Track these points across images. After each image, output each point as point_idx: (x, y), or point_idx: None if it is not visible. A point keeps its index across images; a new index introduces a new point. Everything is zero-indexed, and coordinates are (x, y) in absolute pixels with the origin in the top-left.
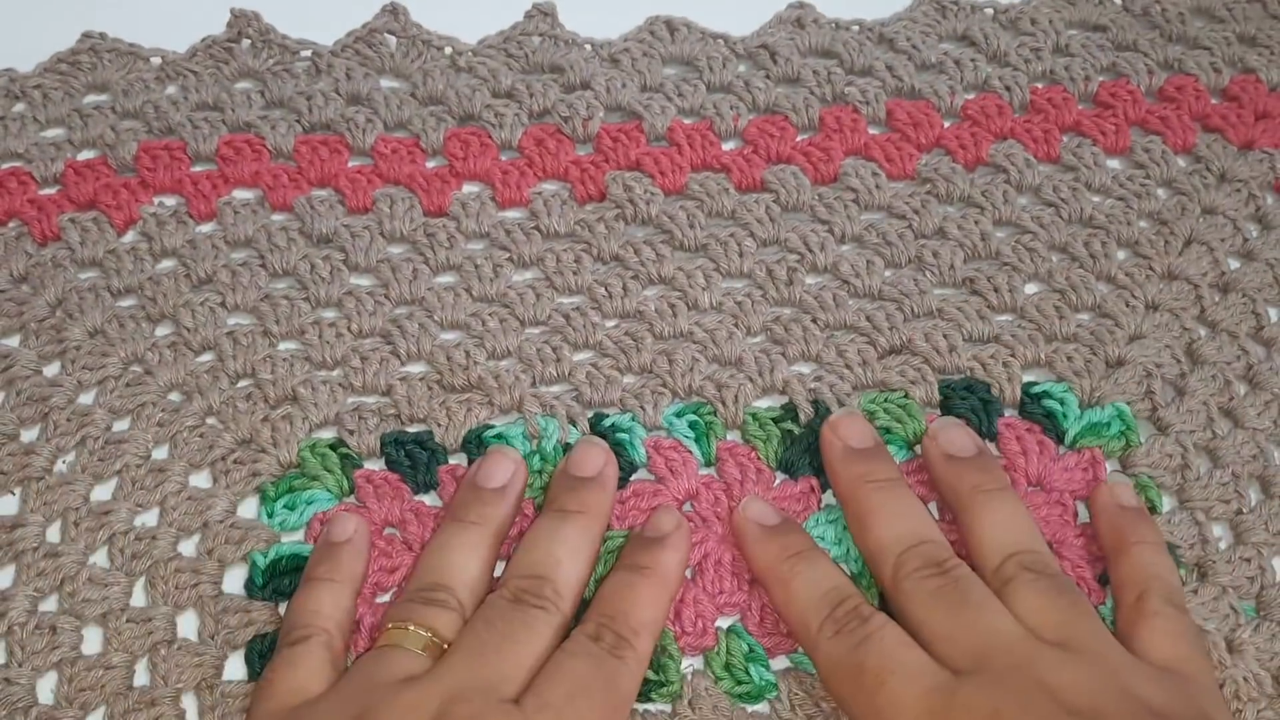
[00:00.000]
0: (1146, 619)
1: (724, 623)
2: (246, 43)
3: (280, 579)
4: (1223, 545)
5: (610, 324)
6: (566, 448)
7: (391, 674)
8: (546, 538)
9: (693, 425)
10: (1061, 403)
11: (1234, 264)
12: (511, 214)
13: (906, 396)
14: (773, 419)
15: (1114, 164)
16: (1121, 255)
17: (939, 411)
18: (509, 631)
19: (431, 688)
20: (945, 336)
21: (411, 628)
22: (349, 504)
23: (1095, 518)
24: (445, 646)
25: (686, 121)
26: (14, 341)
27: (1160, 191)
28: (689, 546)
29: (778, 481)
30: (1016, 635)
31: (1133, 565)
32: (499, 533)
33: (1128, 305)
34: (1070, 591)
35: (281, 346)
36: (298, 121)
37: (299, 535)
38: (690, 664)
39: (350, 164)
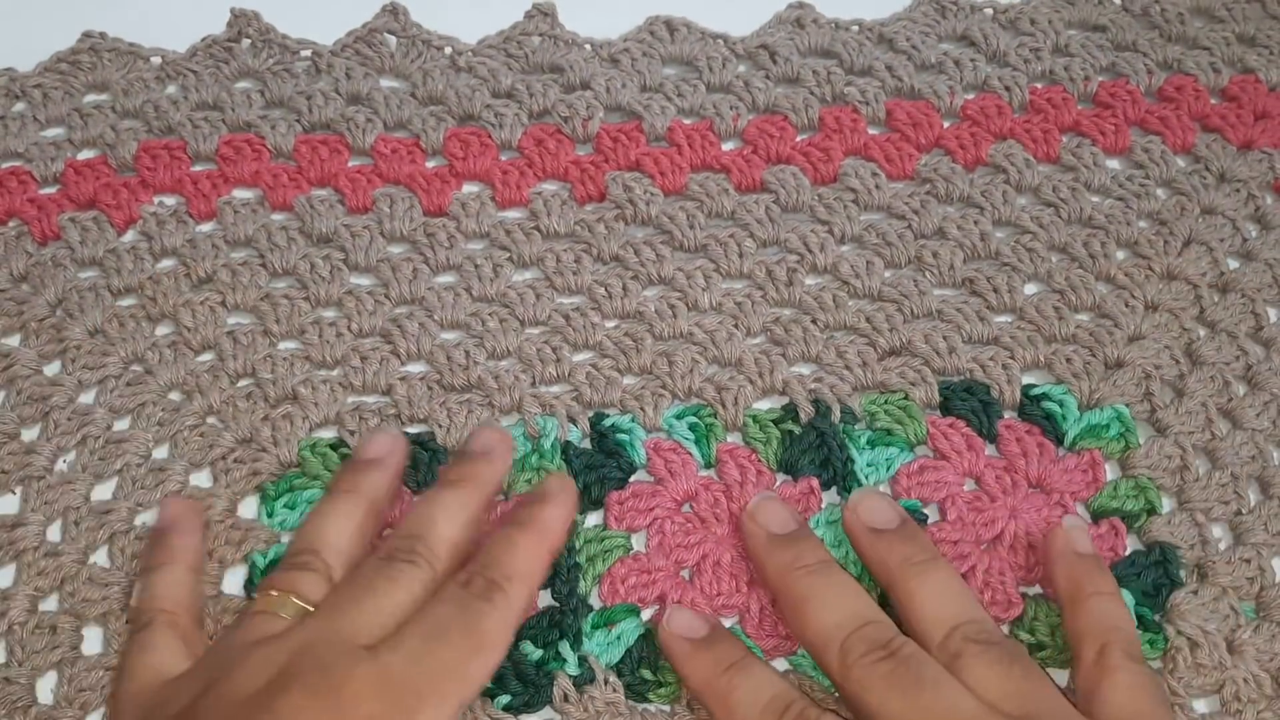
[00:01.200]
0: (1109, 675)
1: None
2: (246, 42)
3: None
4: (1222, 546)
5: (610, 324)
6: (566, 446)
7: (251, 636)
8: (426, 504)
9: (692, 427)
10: (1061, 404)
11: (1233, 264)
12: (511, 214)
13: (906, 398)
14: (773, 420)
15: (1113, 164)
16: (1121, 255)
17: (939, 412)
18: (370, 584)
19: (284, 643)
20: (945, 338)
21: (274, 592)
22: None
23: (1050, 564)
24: (310, 608)
25: (686, 122)
26: (14, 341)
27: (1160, 191)
28: (574, 504)
29: (778, 483)
30: (980, 713)
31: (1090, 617)
32: (374, 501)
33: (1127, 305)
34: (1020, 659)
35: (281, 346)
36: (298, 121)
37: None
38: None
39: (350, 164)
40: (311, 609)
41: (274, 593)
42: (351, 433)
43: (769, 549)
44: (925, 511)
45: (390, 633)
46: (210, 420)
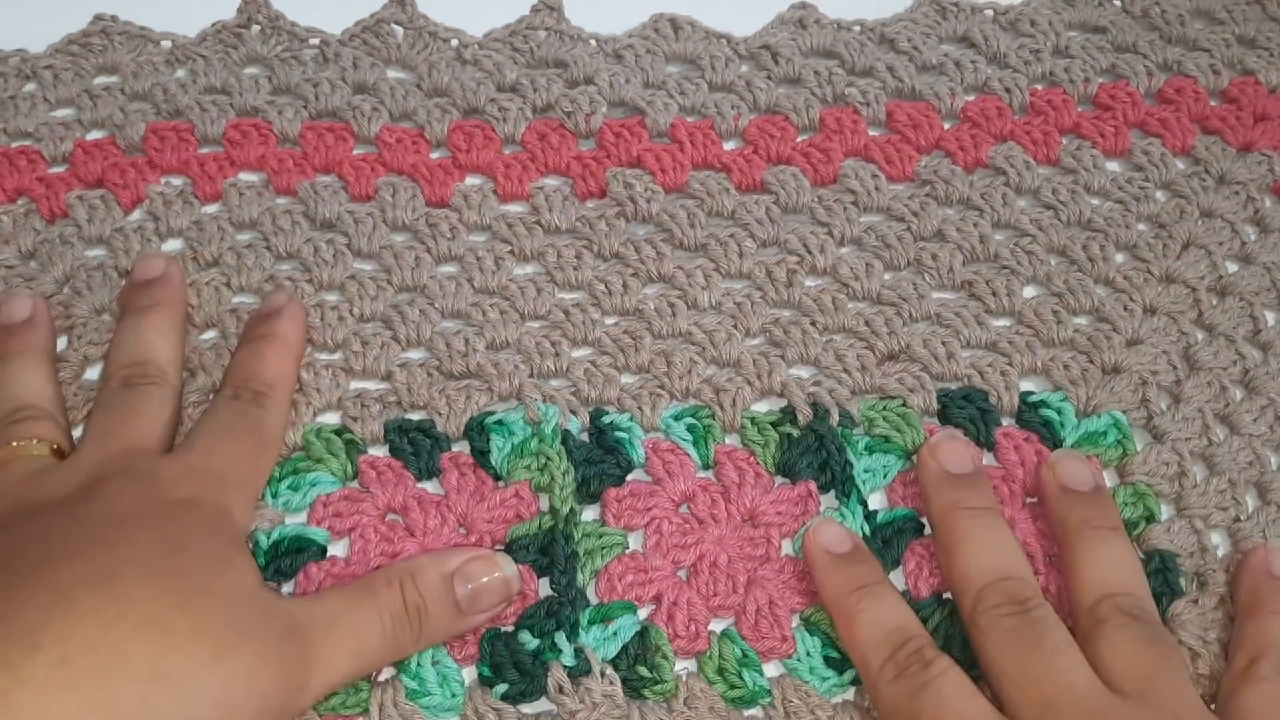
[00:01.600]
0: (1253, 682)
1: (718, 626)
2: (256, 29)
3: (283, 559)
4: (1221, 553)
5: (610, 321)
6: (566, 434)
7: (19, 475)
8: (132, 331)
9: (690, 428)
10: (1058, 412)
11: (1232, 267)
12: (513, 208)
13: (905, 404)
14: (771, 423)
15: (1113, 166)
16: (1120, 258)
17: (937, 420)
18: (128, 407)
19: (73, 467)
20: (944, 343)
21: (17, 443)
22: (352, 489)
23: (1239, 575)
24: (59, 448)
25: (688, 120)
26: None
27: (1159, 194)
28: (303, 313)
29: (776, 485)
30: (1089, 689)
31: (1257, 630)
32: (46, 350)
33: (1125, 309)
34: (1163, 643)
35: None
36: (304, 108)
37: (302, 517)
38: (685, 666)
39: (355, 152)
40: (57, 447)
41: (15, 443)
42: (354, 419)
43: (940, 484)
44: (922, 520)
45: (164, 444)
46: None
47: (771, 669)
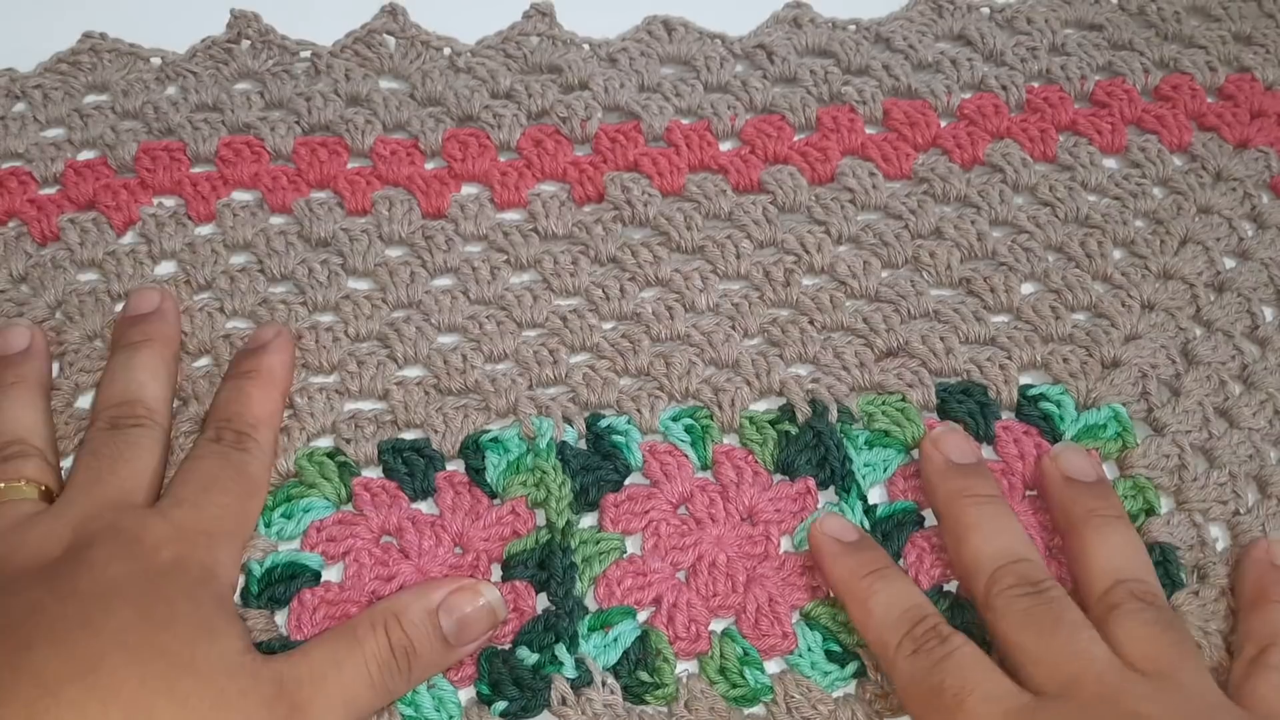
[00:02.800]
0: (1263, 671)
1: (718, 626)
2: (246, 43)
3: (275, 587)
4: (1220, 546)
5: (608, 326)
6: (562, 446)
7: (9, 525)
8: (123, 368)
9: (689, 429)
10: (1058, 405)
11: (1229, 263)
12: (510, 215)
13: (904, 399)
14: (769, 421)
15: (1110, 163)
16: (1118, 255)
17: (936, 415)
18: (116, 453)
19: (59, 518)
20: (942, 339)
21: (4, 484)
22: (345, 513)
23: (1243, 566)
24: (46, 489)
25: (684, 122)
26: None
27: (1156, 190)
28: (291, 347)
29: (775, 482)
30: (1109, 663)
31: (1263, 621)
32: (41, 384)
33: (1123, 305)
34: (1177, 628)
35: None
36: (297, 123)
37: (295, 544)
38: (685, 668)
39: (349, 165)
40: (45, 488)
41: (2, 484)
42: (348, 441)
43: (945, 474)
44: (923, 514)
45: (151, 492)
46: None
47: (772, 666)
